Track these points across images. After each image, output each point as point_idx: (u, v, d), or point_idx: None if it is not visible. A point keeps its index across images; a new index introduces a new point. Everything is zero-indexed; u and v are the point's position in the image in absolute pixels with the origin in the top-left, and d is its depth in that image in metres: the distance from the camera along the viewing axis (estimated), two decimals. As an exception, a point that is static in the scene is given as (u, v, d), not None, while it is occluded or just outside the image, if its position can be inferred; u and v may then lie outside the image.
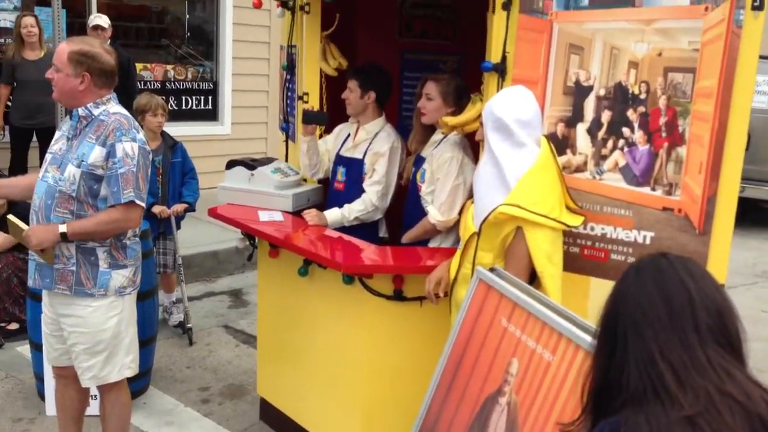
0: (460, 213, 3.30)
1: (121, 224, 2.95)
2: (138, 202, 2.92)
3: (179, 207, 4.99)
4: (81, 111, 2.95)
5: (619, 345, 1.46)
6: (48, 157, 3.05)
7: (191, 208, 5.11)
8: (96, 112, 2.95)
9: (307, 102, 3.94)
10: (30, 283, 3.13)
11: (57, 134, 3.12)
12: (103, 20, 6.68)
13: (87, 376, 3.09)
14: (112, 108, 2.99)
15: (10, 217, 3.07)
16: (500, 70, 2.95)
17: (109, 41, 6.73)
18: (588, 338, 2.01)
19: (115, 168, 2.88)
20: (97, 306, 2.99)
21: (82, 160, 2.88)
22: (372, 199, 3.69)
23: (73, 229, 2.88)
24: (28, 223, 3.03)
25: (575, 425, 1.58)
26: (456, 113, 3.38)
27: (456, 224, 3.36)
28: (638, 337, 1.43)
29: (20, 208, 4.95)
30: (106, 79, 2.97)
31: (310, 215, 3.66)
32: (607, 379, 1.47)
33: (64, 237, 2.88)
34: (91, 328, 3.00)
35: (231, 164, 3.96)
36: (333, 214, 3.69)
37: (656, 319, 1.43)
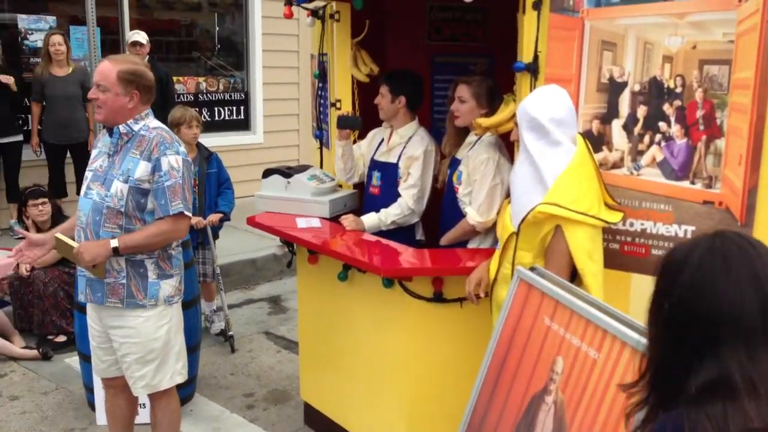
0: (499, 213, 3.32)
1: (170, 235, 3.03)
2: (186, 212, 3.00)
3: (214, 217, 5.06)
4: (122, 128, 3.02)
5: (695, 339, 1.35)
6: (89, 174, 3.12)
7: (226, 217, 5.19)
8: (136, 127, 3.03)
9: (340, 109, 3.99)
10: (81, 298, 3.21)
11: (94, 152, 3.19)
12: (142, 36, 6.82)
13: (139, 385, 3.16)
14: (151, 123, 3.07)
15: (58, 235, 3.13)
16: (533, 69, 2.96)
17: (147, 57, 6.86)
18: (633, 335, 2.02)
19: (161, 181, 2.95)
20: (148, 316, 3.07)
21: (129, 176, 2.95)
22: (408, 202, 3.72)
23: (124, 243, 2.95)
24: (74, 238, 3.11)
25: (633, 409, 1.51)
26: (489, 114, 3.39)
27: (494, 225, 3.37)
28: (727, 339, 1.32)
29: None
30: (150, 96, 3.06)
31: (348, 221, 3.70)
32: (670, 372, 1.39)
33: (115, 251, 2.95)
34: (143, 337, 3.08)
35: (267, 173, 4.01)
36: (370, 219, 3.72)
37: (752, 326, 1.31)
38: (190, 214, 3.04)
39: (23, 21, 7.11)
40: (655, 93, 2.70)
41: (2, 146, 6.63)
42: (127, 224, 2.99)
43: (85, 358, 4.06)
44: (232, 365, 4.92)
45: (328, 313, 3.71)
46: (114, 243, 2.94)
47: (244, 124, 8.87)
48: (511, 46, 3.40)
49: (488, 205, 3.36)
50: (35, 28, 7.04)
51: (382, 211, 3.73)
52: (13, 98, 6.55)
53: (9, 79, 6.43)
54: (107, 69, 2.98)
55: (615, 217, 2.65)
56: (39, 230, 4.99)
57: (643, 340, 1.96)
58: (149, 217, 3.01)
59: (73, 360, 4.76)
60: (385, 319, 3.37)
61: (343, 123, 3.75)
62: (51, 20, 7.24)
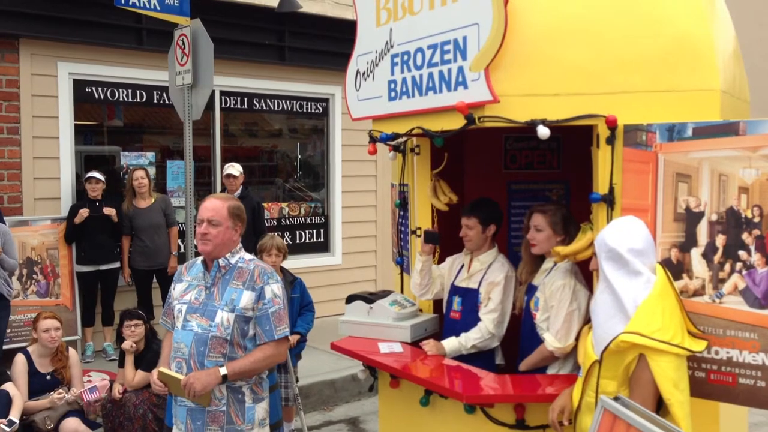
0: (577, 338, 3.34)
1: (274, 359, 3.23)
2: (288, 337, 3.23)
3: (292, 339, 5.17)
4: (221, 261, 3.24)
5: None
6: (182, 307, 3.26)
7: (303, 338, 5.29)
8: (233, 260, 3.25)
9: (420, 236, 4.14)
10: (179, 429, 3.29)
11: (181, 285, 3.33)
12: (235, 169, 7.30)
13: None
14: (245, 255, 3.31)
15: (163, 369, 3.25)
16: (609, 200, 3.07)
17: (241, 188, 7.30)
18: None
19: (265, 308, 3.16)
20: None
21: (234, 305, 3.15)
22: (488, 326, 3.78)
23: (233, 369, 3.11)
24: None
25: None
26: (565, 242, 3.48)
27: (573, 350, 3.38)
28: None
29: (157, 346, 5.32)
30: (244, 229, 3.31)
31: (429, 345, 3.78)
32: None
33: (224, 378, 3.10)
34: None
35: (350, 299, 4.16)
36: (451, 344, 3.79)
37: None
38: (290, 338, 3.21)
39: (125, 157, 7.72)
40: (732, 222, 2.76)
41: (103, 273, 7.05)
42: (230, 352, 3.16)
43: (173, 481, 4.14)
44: (313, 490, 4.90)
45: (410, 439, 3.72)
46: (223, 371, 3.09)
47: (323, 247, 9.17)
48: (585, 171, 3.54)
49: (566, 330, 3.39)
50: (136, 164, 7.62)
51: (463, 335, 3.80)
52: (113, 228, 7.02)
53: (111, 211, 6.92)
54: (219, 206, 3.22)
55: (699, 345, 2.65)
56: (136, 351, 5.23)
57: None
58: (249, 343, 3.18)
59: (159, 482, 4.84)
60: (468, 446, 3.37)
61: (429, 238, 3.92)
62: (150, 155, 7.83)
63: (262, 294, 3.16)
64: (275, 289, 3.20)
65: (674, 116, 2.97)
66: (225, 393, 3.16)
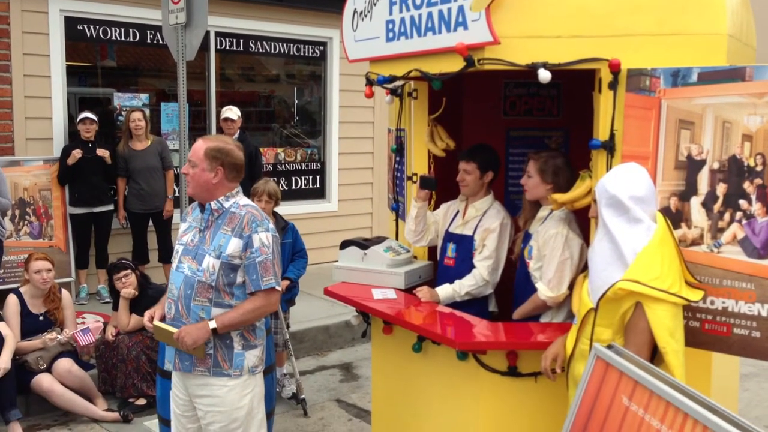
0: (570, 288, 3.32)
1: (263, 310, 3.15)
2: (277, 287, 3.13)
3: (282, 286, 5.12)
4: (213, 204, 3.18)
5: None
6: (179, 248, 3.27)
7: (293, 284, 5.27)
8: (227, 204, 3.18)
9: (416, 182, 4.09)
10: (168, 367, 3.32)
11: (183, 226, 3.34)
12: (233, 113, 7.18)
13: None
14: (241, 200, 3.22)
15: (157, 323, 3.24)
16: (609, 147, 3.00)
17: (238, 132, 7.19)
18: (716, 420, 1.98)
19: (253, 257, 3.08)
20: (232, 385, 3.16)
21: (221, 252, 3.09)
22: (483, 273, 3.75)
23: (222, 322, 3.07)
24: (164, 317, 3.24)
25: None
26: (553, 190, 3.43)
27: (567, 299, 3.36)
28: None
29: (152, 291, 5.31)
30: (236, 173, 3.21)
31: (423, 292, 3.76)
32: None
33: (214, 332, 3.07)
34: (228, 406, 3.16)
35: (344, 244, 4.12)
36: (445, 290, 3.77)
37: None
38: (279, 289, 3.16)
39: (119, 98, 7.60)
40: (734, 171, 2.70)
41: (96, 215, 7.00)
42: (216, 298, 3.12)
43: (165, 423, 4.16)
44: (305, 432, 4.96)
45: (402, 384, 3.73)
46: (213, 325, 3.06)
47: (319, 193, 9.12)
48: (585, 119, 3.47)
49: (558, 280, 3.37)
50: (129, 105, 7.50)
51: (457, 282, 3.78)
52: (107, 170, 6.94)
53: (105, 153, 6.84)
54: (198, 146, 3.18)
55: (696, 295, 2.62)
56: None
57: (727, 426, 1.93)
58: (237, 291, 3.13)
59: (152, 423, 4.88)
60: (459, 391, 3.38)
61: (425, 183, 3.86)
62: (144, 97, 7.71)
63: (249, 242, 3.08)
64: (263, 238, 3.11)
65: (679, 61, 2.88)
66: (211, 337, 3.12)
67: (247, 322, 3.15)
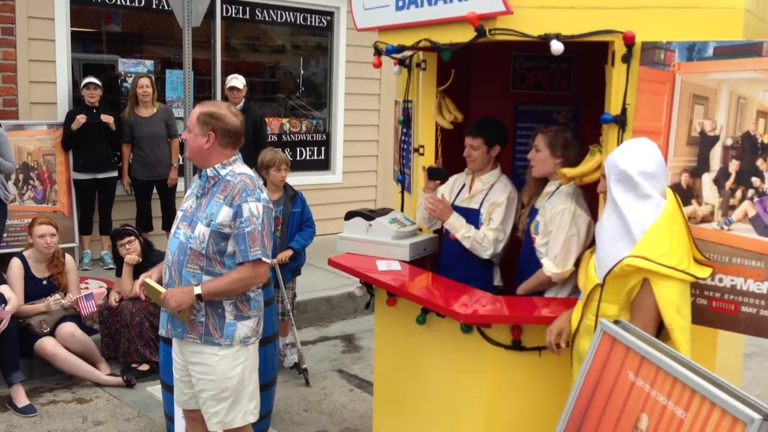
0: (576, 264, 3.30)
1: (250, 281, 3.10)
2: (264, 259, 3.07)
3: (284, 255, 5.13)
4: (209, 171, 3.15)
5: None
6: (179, 214, 3.25)
7: (297, 254, 5.26)
8: (223, 172, 3.14)
9: (423, 154, 4.05)
10: (162, 332, 3.34)
11: (188, 192, 3.33)
12: (239, 81, 7.11)
13: (213, 421, 3.23)
14: (238, 168, 3.16)
15: (147, 280, 3.25)
16: (620, 121, 2.97)
17: (243, 101, 7.13)
18: (723, 396, 1.97)
19: (242, 227, 3.03)
20: (223, 355, 3.15)
21: (211, 220, 3.06)
22: (489, 236, 3.73)
23: (207, 289, 3.05)
24: (161, 281, 3.24)
25: None
26: (563, 164, 3.40)
27: (572, 275, 3.35)
28: None
29: (156, 258, 5.30)
30: (230, 139, 3.14)
31: (437, 199, 3.73)
32: None
33: (199, 298, 3.06)
34: (218, 375, 3.16)
35: (349, 215, 4.10)
36: (458, 218, 3.76)
37: None
38: (269, 261, 3.09)
39: (123, 64, 7.53)
40: (748, 148, 2.67)
41: (100, 181, 6.98)
42: (207, 266, 3.09)
43: (168, 388, 4.18)
44: (306, 401, 4.98)
45: (405, 356, 3.73)
46: (197, 290, 3.04)
47: (324, 164, 9.08)
48: (595, 95, 3.42)
49: (564, 256, 3.34)
50: (134, 71, 7.44)
51: (468, 225, 3.76)
52: (111, 137, 6.91)
53: (109, 119, 6.81)
54: (193, 112, 3.16)
55: (704, 272, 2.60)
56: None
57: (733, 402, 1.92)
58: (229, 260, 3.09)
59: (155, 389, 4.91)
60: (462, 364, 3.38)
61: (434, 174, 3.83)
62: (149, 64, 7.64)
63: (239, 211, 3.03)
64: (253, 208, 3.04)
65: (695, 35, 2.83)
66: (203, 305, 3.11)
67: (233, 292, 3.11)
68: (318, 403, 4.97)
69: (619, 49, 2.96)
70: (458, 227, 3.76)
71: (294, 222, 5.25)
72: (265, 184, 5.25)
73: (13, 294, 4.91)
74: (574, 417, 2.52)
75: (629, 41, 2.90)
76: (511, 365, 3.25)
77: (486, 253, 3.78)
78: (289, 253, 5.17)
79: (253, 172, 3.24)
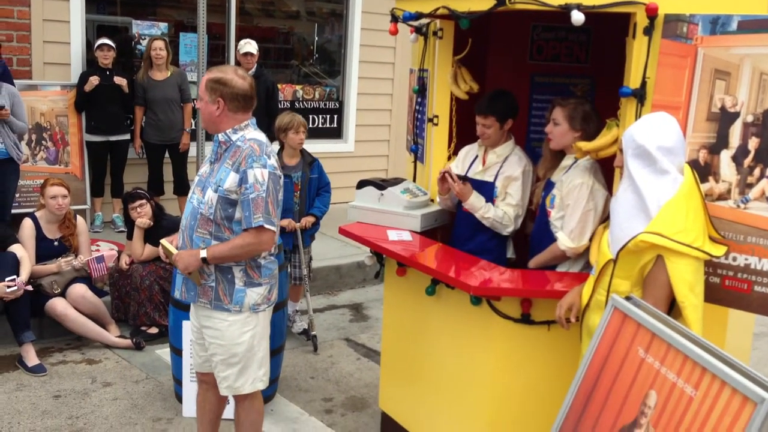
0: (590, 239, 3.27)
1: (254, 248, 3.08)
2: (267, 226, 3.03)
3: (307, 221, 5.17)
4: (221, 137, 3.13)
5: None
6: (196, 179, 3.26)
7: (317, 220, 5.27)
8: (234, 137, 3.12)
9: (437, 124, 4.01)
10: (177, 295, 3.35)
11: (207, 157, 3.32)
12: (252, 47, 7.02)
13: (223, 386, 3.26)
14: (249, 134, 3.13)
15: (163, 241, 3.29)
16: (639, 95, 2.91)
17: (255, 66, 7.07)
18: (734, 374, 1.95)
19: (246, 193, 3.01)
20: (232, 321, 3.16)
21: (219, 185, 3.05)
22: (510, 214, 3.70)
23: (212, 254, 3.06)
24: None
25: None
26: (582, 138, 3.35)
27: (585, 250, 3.32)
28: None
29: (167, 222, 5.31)
30: (239, 103, 3.10)
31: (461, 183, 3.71)
32: None
33: (204, 261, 3.07)
34: (227, 341, 3.17)
35: (361, 184, 4.07)
36: (479, 198, 3.73)
37: None
38: (272, 228, 3.06)
39: (137, 26, 7.48)
40: (769, 125, 2.62)
41: (112, 143, 6.98)
42: (216, 231, 3.10)
43: (177, 352, 4.22)
44: (313, 369, 5.01)
45: (413, 326, 3.73)
46: (203, 254, 3.06)
47: (336, 133, 9.04)
48: (613, 68, 3.36)
49: (580, 230, 3.31)
50: (148, 34, 7.39)
51: (489, 204, 3.73)
52: (124, 99, 6.89)
53: (122, 81, 6.78)
54: (202, 79, 3.14)
55: (719, 250, 2.57)
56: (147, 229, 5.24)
57: (744, 381, 1.91)
58: (236, 226, 3.08)
59: (163, 352, 4.95)
60: (471, 336, 3.37)
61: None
62: (163, 26, 7.58)
63: (244, 177, 3.00)
64: (258, 174, 3.00)
65: (719, 8, 2.76)
66: (213, 270, 3.12)
67: (238, 258, 3.09)
68: (325, 370, 5.00)
69: (641, 21, 2.90)
70: (478, 207, 3.73)
71: (312, 188, 5.26)
72: (282, 148, 5.24)
73: (26, 254, 4.93)
74: (582, 392, 2.52)
75: (652, 13, 2.84)
76: (519, 338, 3.24)
77: (507, 230, 3.76)
78: (311, 219, 5.20)
79: (266, 138, 3.22)
